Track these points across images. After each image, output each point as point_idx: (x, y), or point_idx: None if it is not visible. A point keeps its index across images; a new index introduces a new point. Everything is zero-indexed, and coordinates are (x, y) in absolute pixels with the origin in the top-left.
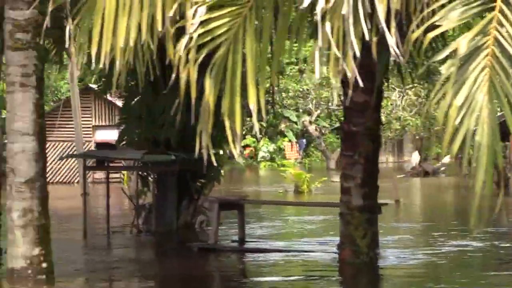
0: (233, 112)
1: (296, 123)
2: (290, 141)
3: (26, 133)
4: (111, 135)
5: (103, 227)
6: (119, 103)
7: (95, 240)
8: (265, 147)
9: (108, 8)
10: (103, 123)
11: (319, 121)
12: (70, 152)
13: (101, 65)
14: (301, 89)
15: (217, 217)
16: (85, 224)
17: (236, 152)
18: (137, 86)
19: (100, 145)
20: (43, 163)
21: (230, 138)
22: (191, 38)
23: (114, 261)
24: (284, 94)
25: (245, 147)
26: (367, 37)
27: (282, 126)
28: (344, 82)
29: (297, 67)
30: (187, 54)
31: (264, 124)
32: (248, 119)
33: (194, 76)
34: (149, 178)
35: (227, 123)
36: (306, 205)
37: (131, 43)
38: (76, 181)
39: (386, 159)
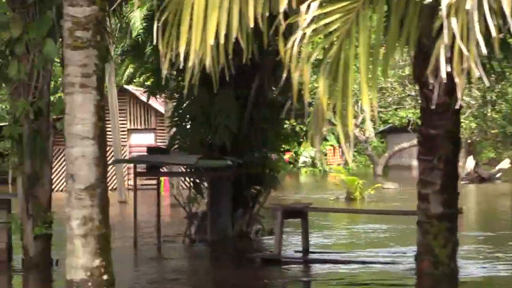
0: (346, 113)
1: None
2: (332, 145)
3: (86, 136)
4: (146, 139)
5: (152, 237)
6: (157, 105)
7: (146, 250)
8: (307, 152)
9: (197, 4)
10: (139, 127)
11: (363, 124)
12: (108, 157)
13: (190, 64)
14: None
15: (280, 226)
16: (135, 233)
17: (349, 156)
18: (192, 87)
19: (151, 150)
20: (103, 168)
21: (342, 141)
22: (304, 35)
23: (170, 273)
24: None
25: (285, 151)
26: (493, 34)
27: (324, 129)
28: (423, 82)
29: None
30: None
31: (304, 128)
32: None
33: (307, 76)
34: (202, 185)
35: (339, 125)
36: (380, 213)
37: (221, 41)
38: (110, 188)
39: None
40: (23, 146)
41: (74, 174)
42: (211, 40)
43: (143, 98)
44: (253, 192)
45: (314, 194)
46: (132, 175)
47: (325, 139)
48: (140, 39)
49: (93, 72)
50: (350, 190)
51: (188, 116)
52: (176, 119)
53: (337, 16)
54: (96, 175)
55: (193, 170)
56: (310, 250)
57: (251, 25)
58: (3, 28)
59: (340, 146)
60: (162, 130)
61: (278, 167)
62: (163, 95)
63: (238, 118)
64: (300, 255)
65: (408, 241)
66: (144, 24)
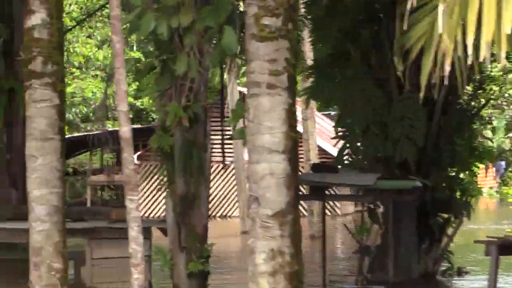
0: None
1: (491, 140)
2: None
3: (276, 150)
4: None
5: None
6: None
7: None
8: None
9: None
10: None
11: None
12: None
13: (481, 58)
14: (506, 94)
15: (495, 265)
16: (325, 270)
17: None
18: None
19: (317, 167)
20: (295, 190)
21: None
22: None
23: None
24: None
25: None
26: None
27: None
28: None
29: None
30: None
31: None
32: None
33: None
34: (378, 210)
35: None
36: None
37: None
38: (217, 214)
39: None
40: (174, 161)
41: (260, 197)
42: (508, 29)
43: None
44: (439, 221)
45: (481, 223)
46: None
47: None
48: None
49: (283, 69)
50: None
51: (359, 125)
52: (344, 129)
53: None
54: (287, 199)
55: (362, 193)
56: None
57: None
58: (170, 14)
59: (493, 165)
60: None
61: (471, 191)
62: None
63: (424, 128)
64: None
65: None
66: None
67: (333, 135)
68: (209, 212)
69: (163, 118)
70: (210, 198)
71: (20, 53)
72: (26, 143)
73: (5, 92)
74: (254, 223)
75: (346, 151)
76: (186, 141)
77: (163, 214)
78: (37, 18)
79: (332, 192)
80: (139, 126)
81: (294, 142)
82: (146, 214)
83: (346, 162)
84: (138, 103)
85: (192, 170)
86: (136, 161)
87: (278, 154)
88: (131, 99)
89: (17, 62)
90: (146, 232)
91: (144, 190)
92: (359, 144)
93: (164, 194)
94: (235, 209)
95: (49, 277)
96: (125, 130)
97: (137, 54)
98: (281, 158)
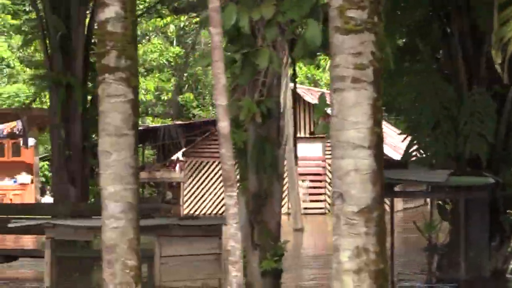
0: None
1: None
2: None
3: (360, 145)
4: (312, 151)
5: None
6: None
7: None
8: None
9: None
10: (303, 135)
11: None
12: None
13: None
14: None
15: None
16: (392, 270)
17: None
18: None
19: (386, 163)
20: (380, 186)
21: None
22: None
23: None
24: None
25: None
26: None
27: None
28: None
29: None
30: None
31: None
32: None
33: None
34: (447, 208)
35: None
36: None
37: None
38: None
39: None
40: (247, 157)
41: (344, 193)
42: None
43: (309, 98)
44: (510, 218)
45: None
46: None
47: None
48: None
49: (369, 62)
50: None
51: (428, 120)
52: (411, 124)
53: None
54: (373, 195)
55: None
56: None
57: None
58: (251, 6)
59: None
60: None
61: None
62: None
63: (494, 123)
64: None
65: None
66: None
67: None
68: None
69: (235, 113)
70: None
71: (93, 47)
72: (99, 138)
73: (63, 86)
74: (338, 220)
75: (414, 147)
76: (259, 137)
77: (209, 212)
78: (111, 11)
79: None
80: (181, 122)
81: (379, 138)
82: (192, 211)
83: (413, 158)
84: (179, 99)
85: (265, 167)
86: (181, 158)
87: (364, 150)
88: (171, 95)
89: (74, 61)
90: (216, 230)
91: (190, 186)
92: (427, 139)
93: (210, 190)
94: (283, 206)
95: (123, 274)
96: (224, 125)
97: (176, 50)
98: (366, 154)
